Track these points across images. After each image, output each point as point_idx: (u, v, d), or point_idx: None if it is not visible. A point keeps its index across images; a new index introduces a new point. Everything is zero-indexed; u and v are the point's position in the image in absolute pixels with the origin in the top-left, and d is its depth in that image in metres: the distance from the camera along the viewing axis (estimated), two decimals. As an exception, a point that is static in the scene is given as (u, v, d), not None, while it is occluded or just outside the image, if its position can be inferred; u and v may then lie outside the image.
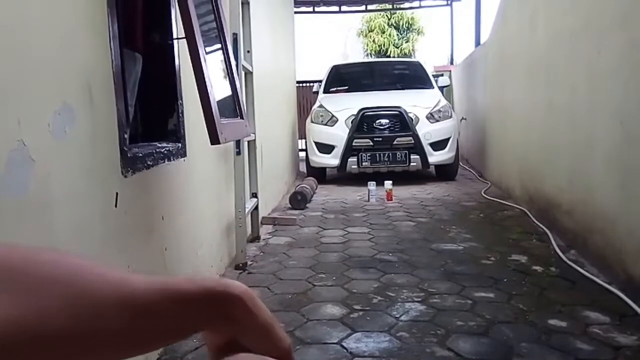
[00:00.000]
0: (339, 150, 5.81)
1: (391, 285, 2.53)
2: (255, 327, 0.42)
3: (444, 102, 6.16)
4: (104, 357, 0.36)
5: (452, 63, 10.78)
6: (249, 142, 3.27)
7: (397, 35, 19.41)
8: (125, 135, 1.64)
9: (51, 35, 1.24)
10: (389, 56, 18.13)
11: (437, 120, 5.86)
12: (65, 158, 1.27)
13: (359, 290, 2.47)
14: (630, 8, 2.33)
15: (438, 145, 5.79)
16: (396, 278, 2.64)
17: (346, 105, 6.00)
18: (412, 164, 5.71)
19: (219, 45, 2.46)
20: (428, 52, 19.51)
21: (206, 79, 1.89)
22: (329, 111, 6.04)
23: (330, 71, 7.17)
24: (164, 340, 0.39)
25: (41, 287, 0.31)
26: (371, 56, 18.94)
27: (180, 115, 2.20)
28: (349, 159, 5.77)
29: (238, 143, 2.95)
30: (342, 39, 23.01)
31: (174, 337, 0.40)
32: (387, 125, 5.74)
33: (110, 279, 0.35)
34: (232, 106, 2.57)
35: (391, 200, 4.84)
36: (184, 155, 2.22)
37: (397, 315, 2.16)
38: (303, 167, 6.87)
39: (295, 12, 8.20)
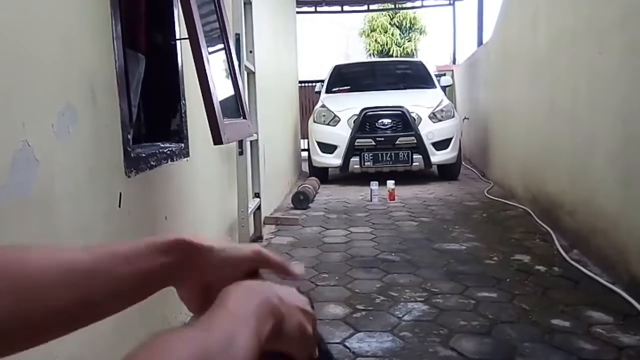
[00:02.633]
0: (341, 150, 5.81)
1: (394, 285, 2.53)
2: (214, 255, 0.43)
3: (446, 101, 6.16)
4: (64, 328, 0.37)
5: (454, 63, 10.77)
6: (251, 142, 3.27)
7: (400, 34, 19.39)
8: (129, 136, 1.65)
9: (55, 36, 1.25)
10: (391, 56, 18.11)
11: (440, 120, 5.86)
12: (69, 158, 1.28)
13: (361, 290, 2.47)
14: (631, 9, 2.33)
15: (440, 145, 5.79)
16: (399, 278, 2.64)
17: (348, 105, 6.00)
18: (414, 163, 5.71)
19: (221, 46, 2.47)
20: (430, 52, 19.53)
21: (209, 79, 1.89)
22: (331, 111, 6.04)
23: (333, 71, 7.18)
24: (121, 301, 0.40)
25: None
26: (373, 56, 18.92)
27: (183, 115, 2.20)
28: (352, 159, 5.77)
29: (241, 143, 2.95)
30: (344, 38, 23.02)
31: (132, 297, 0.40)
32: (389, 125, 5.74)
33: (41, 259, 0.36)
34: (235, 106, 2.57)
35: (394, 200, 4.84)
36: (186, 155, 2.23)
37: (400, 315, 2.16)
38: (305, 167, 6.87)
39: (297, 12, 8.21)
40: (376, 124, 5.75)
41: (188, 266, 0.42)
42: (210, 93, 1.90)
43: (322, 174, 6.14)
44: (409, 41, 19.27)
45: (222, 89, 2.23)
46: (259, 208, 3.43)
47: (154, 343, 0.30)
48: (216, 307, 0.35)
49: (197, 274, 0.43)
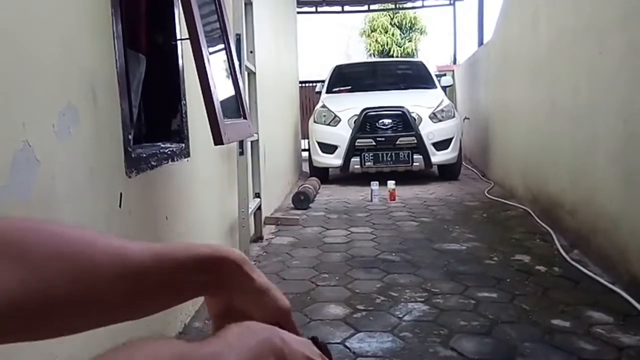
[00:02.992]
0: (341, 150, 5.81)
1: (394, 285, 2.53)
2: (252, 290, 0.43)
3: (446, 101, 6.16)
4: (106, 319, 0.38)
5: (454, 63, 10.76)
6: (252, 142, 3.27)
7: (400, 35, 19.39)
8: (129, 136, 1.65)
9: (55, 36, 1.25)
10: (391, 56, 18.11)
11: (440, 120, 5.86)
12: (69, 158, 1.28)
13: (362, 290, 2.47)
14: (632, 9, 2.33)
15: (441, 145, 5.79)
16: (399, 278, 2.64)
17: (349, 105, 6.01)
18: (415, 163, 5.71)
19: (222, 46, 2.47)
20: (431, 52, 19.54)
21: (209, 80, 1.89)
22: (331, 111, 6.04)
23: (333, 71, 7.18)
24: (161, 304, 0.40)
25: (42, 258, 0.33)
26: (374, 56, 18.92)
27: (184, 115, 2.20)
28: (352, 159, 5.77)
29: (241, 143, 2.95)
30: (344, 38, 23.02)
31: (171, 301, 0.41)
32: (389, 125, 5.74)
33: (109, 248, 0.36)
34: (236, 106, 2.57)
35: (394, 200, 4.84)
36: (187, 155, 2.23)
37: (400, 315, 2.16)
38: (306, 167, 6.87)
39: (298, 12, 8.21)
40: (377, 124, 5.75)
41: (229, 286, 0.42)
42: (210, 93, 1.90)
43: (323, 174, 6.14)
44: (409, 41, 19.27)
45: (222, 89, 2.23)
46: (259, 208, 3.43)
47: (133, 343, 0.30)
48: (214, 336, 0.34)
49: (231, 295, 0.43)
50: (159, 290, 0.39)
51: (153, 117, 2.17)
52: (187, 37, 1.87)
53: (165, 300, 0.40)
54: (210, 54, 2.04)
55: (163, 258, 0.39)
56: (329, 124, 6.00)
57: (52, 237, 0.35)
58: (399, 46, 19.10)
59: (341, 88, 6.83)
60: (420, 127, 5.71)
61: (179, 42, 2.18)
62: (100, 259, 0.35)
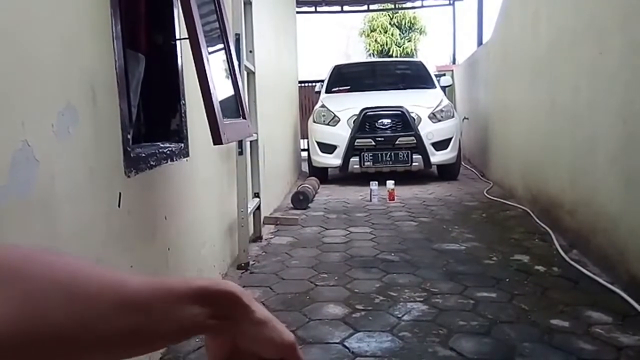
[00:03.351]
0: (341, 150, 5.81)
1: (393, 285, 2.53)
2: (254, 323, 0.42)
3: (446, 101, 6.16)
4: (103, 356, 0.36)
5: (454, 63, 10.77)
6: (251, 142, 3.27)
7: (399, 34, 19.39)
8: (129, 136, 1.65)
9: (55, 36, 1.25)
10: (391, 56, 18.11)
11: (440, 120, 5.86)
12: (68, 158, 1.28)
13: (361, 290, 2.47)
14: (632, 9, 2.33)
15: (440, 145, 5.79)
16: (398, 278, 2.64)
17: (348, 105, 6.01)
18: (414, 163, 5.71)
19: (221, 46, 2.47)
20: (430, 52, 19.54)
21: (209, 79, 1.89)
22: (331, 111, 6.04)
23: (333, 71, 7.18)
24: (161, 340, 0.39)
25: (39, 288, 0.32)
26: (373, 56, 18.92)
27: (183, 115, 2.20)
28: (351, 159, 5.77)
29: (240, 143, 2.95)
30: (344, 38, 23.02)
31: (172, 337, 0.39)
32: (389, 125, 5.74)
33: (107, 280, 0.35)
34: (235, 106, 2.57)
35: (393, 200, 4.84)
36: (186, 155, 2.23)
37: (399, 315, 2.16)
38: (305, 167, 6.87)
39: (297, 12, 8.21)
40: (376, 124, 5.75)
41: (229, 318, 0.41)
42: (210, 93, 1.90)
43: (322, 174, 6.14)
44: (408, 41, 19.27)
45: (222, 89, 2.23)
46: (258, 208, 3.43)
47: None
48: None
49: (231, 332, 0.42)
50: (158, 325, 0.37)
51: (152, 117, 2.17)
52: (187, 37, 1.87)
53: (167, 334, 0.39)
54: (210, 53, 2.04)
55: (161, 290, 0.37)
56: (328, 124, 6.00)
57: (49, 267, 0.34)
58: (398, 46, 19.10)
59: (340, 88, 6.83)
60: (419, 127, 5.71)
61: (178, 42, 2.18)
62: (95, 290, 0.34)
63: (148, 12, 2.15)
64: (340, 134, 5.83)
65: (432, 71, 7.46)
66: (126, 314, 0.35)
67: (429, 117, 5.83)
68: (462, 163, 6.47)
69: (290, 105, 6.57)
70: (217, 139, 1.96)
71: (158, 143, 2.05)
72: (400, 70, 7.64)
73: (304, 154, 7.20)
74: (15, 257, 0.33)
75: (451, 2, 10.91)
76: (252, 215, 3.29)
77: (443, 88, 6.79)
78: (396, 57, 17.39)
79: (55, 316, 0.32)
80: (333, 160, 5.92)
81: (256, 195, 3.43)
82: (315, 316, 2.18)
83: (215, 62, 2.28)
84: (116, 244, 1.55)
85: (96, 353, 0.35)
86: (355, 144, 5.73)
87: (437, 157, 5.79)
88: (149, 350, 0.38)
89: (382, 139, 5.70)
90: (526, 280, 2.54)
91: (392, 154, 5.70)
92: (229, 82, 2.54)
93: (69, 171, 1.28)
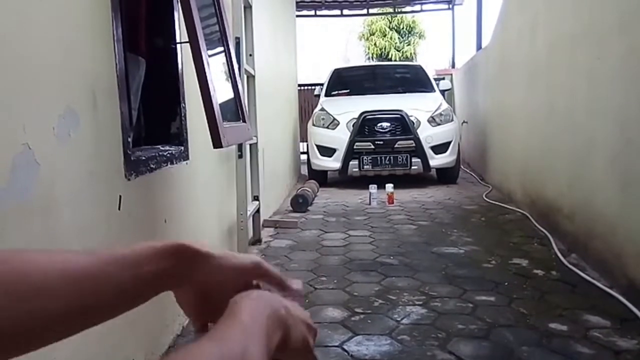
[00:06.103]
0: (340, 154, 5.82)
1: (392, 289, 2.53)
2: (215, 260, 0.44)
3: (445, 105, 6.17)
4: (64, 329, 0.37)
5: (453, 67, 10.79)
6: (250, 145, 3.28)
7: (398, 38, 19.44)
8: (129, 139, 1.65)
9: (56, 39, 1.26)
10: (390, 59, 18.15)
11: (439, 124, 5.87)
12: (69, 161, 1.28)
13: (360, 294, 2.48)
14: (630, 15, 2.34)
15: (439, 149, 5.80)
16: (397, 281, 2.64)
17: (348, 109, 6.02)
18: (413, 167, 5.72)
19: (221, 49, 2.48)
20: (429, 56, 19.55)
21: (209, 83, 1.90)
22: (330, 114, 6.05)
23: (332, 74, 7.19)
24: (119, 307, 0.40)
25: None
26: (372, 59, 18.96)
27: (183, 118, 2.21)
28: (350, 162, 5.78)
29: (240, 146, 2.96)
30: (343, 42, 23.05)
31: (132, 300, 0.41)
32: (388, 129, 5.75)
33: (48, 263, 0.37)
34: (235, 109, 2.58)
35: (392, 203, 4.85)
36: (186, 158, 2.23)
37: (398, 319, 2.17)
38: (304, 170, 6.88)
39: (297, 16, 8.23)
40: (375, 127, 5.76)
41: (187, 271, 0.43)
42: (210, 96, 1.90)
43: (321, 177, 6.14)
44: (408, 45, 19.31)
45: (222, 92, 2.23)
46: (258, 211, 3.43)
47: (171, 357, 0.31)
48: (228, 318, 0.36)
49: (196, 279, 0.44)
50: (113, 293, 0.39)
51: (152, 120, 2.18)
52: (187, 40, 1.88)
53: (125, 301, 0.41)
54: (210, 57, 2.04)
55: (106, 259, 0.40)
56: (327, 127, 6.01)
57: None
58: (397, 50, 19.14)
59: (340, 91, 6.84)
60: (418, 131, 5.72)
61: (178, 46, 2.18)
62: (34, 273, 0.35)
63: (148, 15, 2.16)
64: (340, 137, 5.84)
65: (432, 75, 7.47)
66: (75, 289, 0.36)
67: (428, 121, 5.84)
68: (461, 167, 6.48)
69: (289, 108, 6.57)
70: (217, 142, 1.96)
71: (158, 146, 2.06)
72: (400, 74, 7.66)
73: (304, 157, 7.20)
74: None
75: (450, 6, 10.94)
76: (251, 218, 3.29)
77: (442, 92, 6.81)
78: (395, 60, 17.42)
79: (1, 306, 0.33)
80: (332, 163, 5.92)
81: (255, 198, 3.44)
82: (314, 319, 2.15)
83: (215, 66, 2.28)
84: (116, 246, 1.55)
85: (57, 330, 0.36)
86: (355, 147, 5.74)
87: (436, 161, 5.80)
88: (110, 317, 0.40)
89: (382, 142, 5.71)
90: (525, 284, 2.54)
91: (392, 157, 5.71)
92: (229, 85, 2.55)
93: (69, 174, 1.28)
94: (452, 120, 6.01)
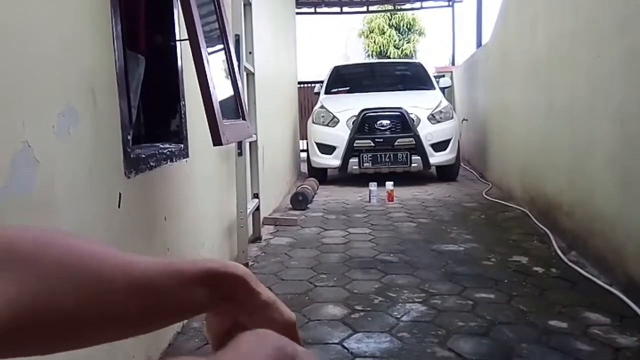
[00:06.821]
0: (340, 151, 5.82)
1: (392, 286, 2.54)
2: (258, 304, 0.43)
3: (445, 103, 6.17)
4: (112, 334, 0.37)
5: (453, 64, 10.78)
6: (250, 143, 3.28)
7: (398, 36, 19.41)
8: (129, 137, 1.65)
9: (55, 37, 1.25)
10: (389, 57, 18.12)
11: (439, 121, 5.87)
12: (69, 159, 1.28)
13: (360, 291, 2.48)
14: (630, 13, 2.34)
15: (439, 146, 5.80)
16: (397, 279, 2.64)
17: (347, 106, 6.01)
18: (413, 164, 5.72)
19: (221, 46, 2.47)
20: (429, 53, 19.53)
21: (209, 80, 1.90)
22: (330, 112, 6.05)
23: (332, 72, 7.18)
24: (167, 318, 0.40)
25: (51, 271, 0.33)
26: (372, 57, 18.93)
27: (183, 116, 2.21)
28: (350, 160, 5.78)
29: (240, 144, 2.96)
30: (343, 39, 23.04)
31: (177, 315, 0.41)
32: (388, 126, 5.75)
33: (116, 262, 0.36)
34: (234, 107, 2.58)
35: (392, 201, 4.85)
36: (186, 156, 2.23)
37: (398, 316, 2.17)
38: (304, 168, 6.88)
39: (297, 13, 8.22)
40: (375, 125, 5.76)
41: (233, 300, 0.42)
42: (210, 94, 1.90)
43: (321, 175, 6.14)
44: (407, 42, 19.29)
45: (221, 90, 2.23)
46: (257, 209, 3.44)
47: None
48: (228, 348, 0.35)
49: (234, 311, 0.43)
50: (165, 302, 0.39)
51: (152, 118, 2.18)
52: (187, 38, 1.88)
53: (173, 313, 0.40)
54: (210, 54, 2.04)
55: (169, 271, 0.39)
56: (327, 125, 6.01)
57: (60, 252, 0.35)
58: (396, 47, 19.11)
59: (340, 89, 6.84)
60: (418, 128, 5.72)
61: (178, 43, 2.18)
62: (107, 273, 0.36)
63: (148, 13, 2.16)
64: (340, 135, 5.84)
65: (432, 72, 7.47)
66: (135, 295, 0.36)
67: (428, 119, 5.84)
68: (461, 164, 6.48)
69: (289, 106, 6.57)
70: (216, 140, 1.96)
71: (158, 144, 2.06)
72: (400, 71, 7.65)
73: (303, 154, 7.20)
74: (26, 242, 0.34)
75: (450, 3, 10.92)
76: (251, 216, 3.29)
77: (442, 89, 6.80)
78: (395, 58, 17.39)
79: (65, 298, 0.33)
80: (332, 161, 5.92)
81: (255, 195, 3.44)
82: (314, 317, 2.19)
83: (215, 63, 2.28)
84: (116, 244, 1.55)
85: (106, 331, 0.37)
86: (355, 144, 5.74)
87: (436, 158, 5.80)
88: (156, 328, 0.39)
89: (381, 140, 5.71)
90: (525, 281, 2.55)
91: (391, 155, 5.71)
92: (229, 83, 2.55)
93: (69, 172, 1.28)
94: (452, 117, 6.01)
